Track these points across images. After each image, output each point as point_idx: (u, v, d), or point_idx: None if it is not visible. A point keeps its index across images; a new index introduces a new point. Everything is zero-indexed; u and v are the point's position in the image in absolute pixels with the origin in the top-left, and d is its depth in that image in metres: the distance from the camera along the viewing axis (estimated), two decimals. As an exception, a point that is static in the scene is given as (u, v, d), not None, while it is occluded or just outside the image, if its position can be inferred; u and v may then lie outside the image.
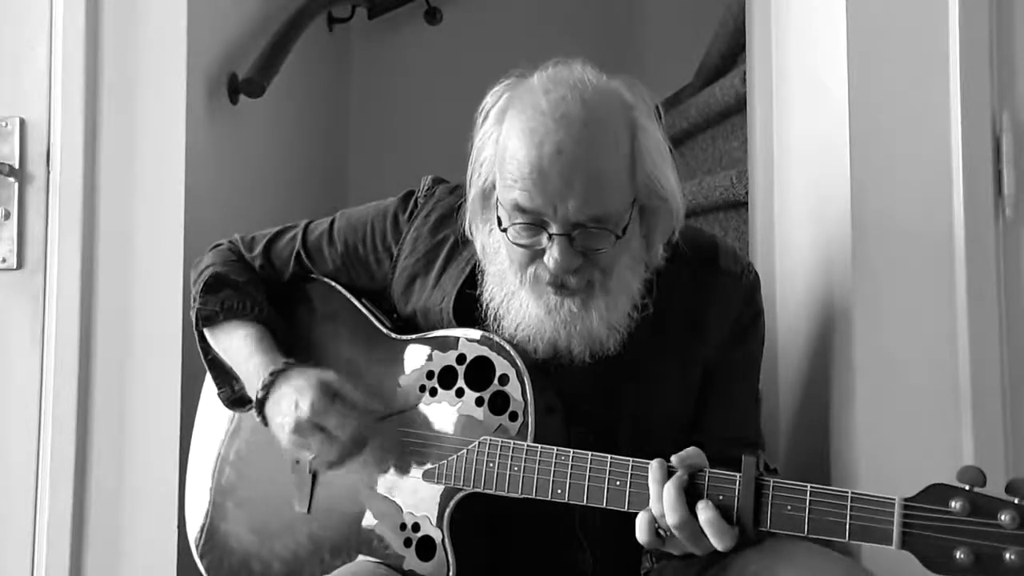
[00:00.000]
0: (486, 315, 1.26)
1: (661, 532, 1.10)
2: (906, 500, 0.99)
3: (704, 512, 1.06)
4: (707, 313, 1.31)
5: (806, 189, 1.66)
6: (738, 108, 2.27)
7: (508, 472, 1.19)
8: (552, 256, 1.16)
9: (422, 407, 1.29)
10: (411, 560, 1.25)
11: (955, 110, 1.36)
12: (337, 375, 1.29)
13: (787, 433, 1.67)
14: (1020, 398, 1.34)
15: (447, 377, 1.28)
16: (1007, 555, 0.94)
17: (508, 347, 1.23)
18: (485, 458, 1.21)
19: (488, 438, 1.21)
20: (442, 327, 1.32)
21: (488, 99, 1.24)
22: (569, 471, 1.16)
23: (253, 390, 1.34)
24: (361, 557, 1.29)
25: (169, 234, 1.70)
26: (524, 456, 1.18)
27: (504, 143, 1.19)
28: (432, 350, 1.30)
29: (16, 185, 1.70)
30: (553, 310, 1.20)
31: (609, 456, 1.14)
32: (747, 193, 2.07)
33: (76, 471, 1.67)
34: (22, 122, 1.71)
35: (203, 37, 1.85)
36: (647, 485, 1.10)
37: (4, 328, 1.70)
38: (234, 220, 1.82)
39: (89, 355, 1.69)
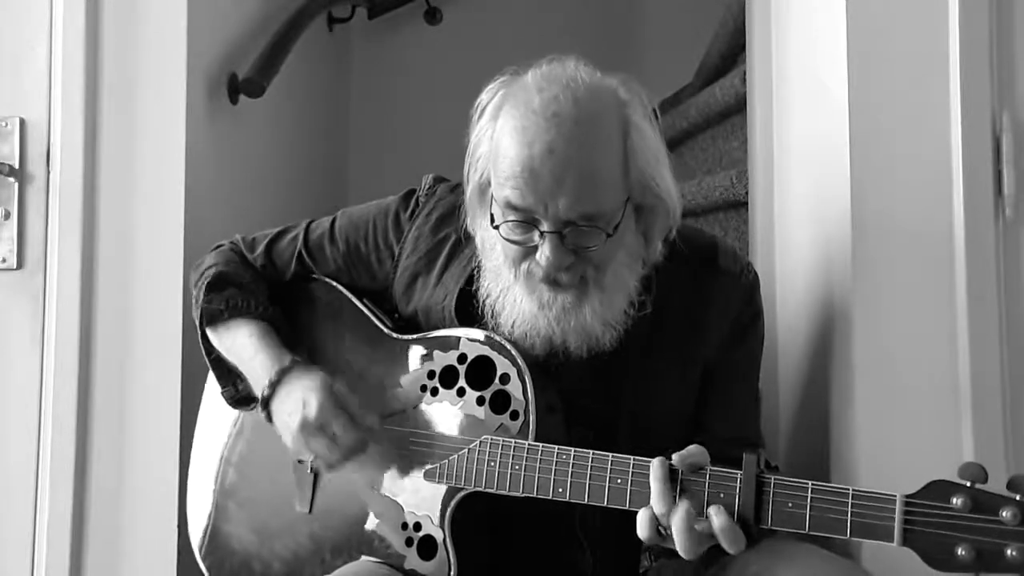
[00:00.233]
0: (484, 311, 1.26)
1: (662, 530, 1.10)
2: (907, 497, 0.99)
3: (717, 518, 1.06)
4: (707, 313, 1.32)
5: (806, 189, 1.66)
6: (738, 108, 2.27)
7: (509, 471, 1.19)
8: (544, 254, 1.17)
9: (423, 407, 1.29)
10: (412, 559, 1.25)
11: (955, 110, 1.36)
12: (343, 382, 1.30)
13: (787, 433, 1.67)
14: (1020, 397, 1.34)
15: (448, 376, 1.28)
16: (1008, 551, 0.95)
17: (509, 346, 1.23)
18: (486, 457, 1.21)
19: (489, 437, 1.21)
20: (444, 326, 1.32)
21: (483, 96, 1.25)
22: (570, 470, 1.16)
23: (259, 387, 1.34)
24: (363, 557, 1.29)
25: (169, 234, 1.70)
26: (525, 455, 1.18)
27: (498, 140, 1.19)
28: (433, 350, 1.30)
29: (16, 185, 1.70)
30: (546, 305, 1.20)
31: (610, 455, 1.14)
32: (747, 193, 2.07)
33: (76, 471, 1.67)
34: (22, 122, 1.71)
35: (203, 37, 1.85)
36: (648, 483, 1.10)
37: (4, 328, 1.70)
38: (234, 220, 1.82)
39: (89, 355, 1.69)
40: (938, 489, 0.98)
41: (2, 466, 1.68)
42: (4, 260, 1.70)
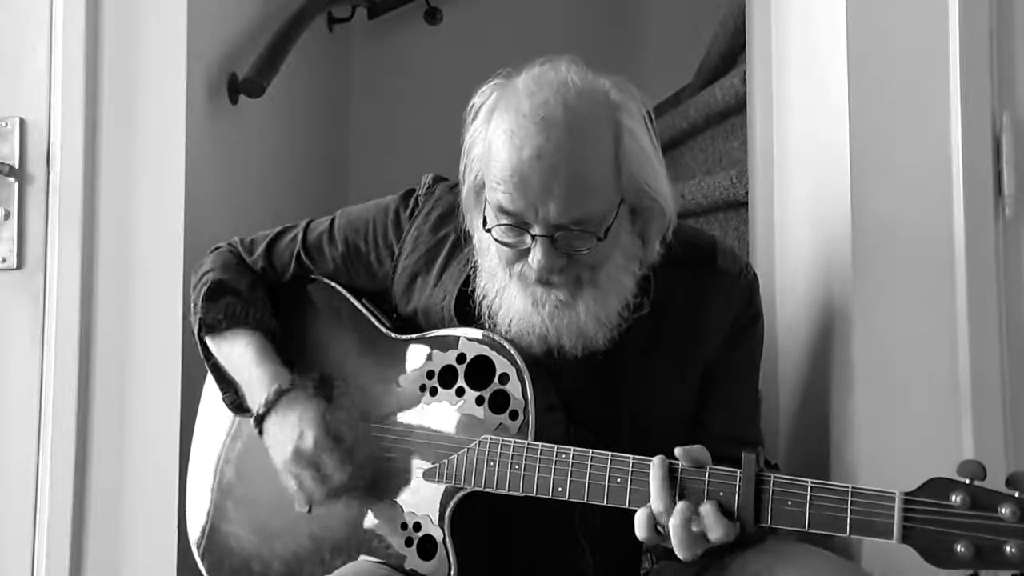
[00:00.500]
0: (481, 311, 1.26)
1: (660, 529, 1.10)
2: (906, 494, 1.00)
3: (704, 505, 1.07)
4: (706, 313, 1.32)
5: (806, 189, 1.66)
6: (738, 108, 2.27)
7: (509, 471, 1.19)
8: (535, 257, 1.17)
9: (422, 407, 1.29)
10: (412, 559, 1.25)
11: (955, 110, 1.36)
12: (341, 417, 1.31)
13: (787, 433, 1.67)
14: (1020, 397, 1.35)
15: (447, 376, 1.28)
16: (1007, 548, 0.95)
17: (508, 346, 1.23)
18: (486, 457, 1.21)
19: (489, 437, 1.21)
20: (443, 326, 1.32)
21: (477, 98, 1.25)
22: (570, 469, 1.16)
23: (254, 401, 1.34)
24: (362, 557, 1.29)
25: (169, 234, 1.70)
26: (525, 455, 1.18)
27: (490, 143, 1.19)
28: (432, 349, 1.30)
29: (16, 185, 1.70)
30: (539, 303, 1.21)
31: (610, 454, 1.14)
32: (747, 193, 2.07)
33: (76, 471, 1.67)
34: (22, 122, 1.71)
35: (203, 37, 1.85)
36: (648, 482, 1.10)
37: (4, 328, 1.70)
38: (234, 220, 1.82)
39: (89, 355, 1.69)
40: (937, 486, 0.99)
41: (2, 466, 1.68)
42: (4, 260, 1.70)
